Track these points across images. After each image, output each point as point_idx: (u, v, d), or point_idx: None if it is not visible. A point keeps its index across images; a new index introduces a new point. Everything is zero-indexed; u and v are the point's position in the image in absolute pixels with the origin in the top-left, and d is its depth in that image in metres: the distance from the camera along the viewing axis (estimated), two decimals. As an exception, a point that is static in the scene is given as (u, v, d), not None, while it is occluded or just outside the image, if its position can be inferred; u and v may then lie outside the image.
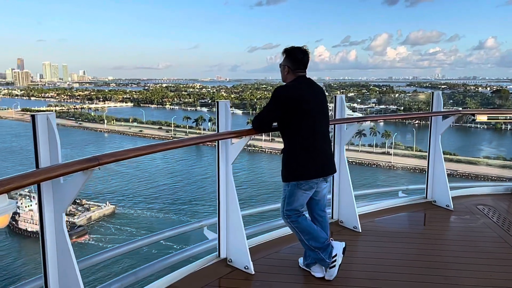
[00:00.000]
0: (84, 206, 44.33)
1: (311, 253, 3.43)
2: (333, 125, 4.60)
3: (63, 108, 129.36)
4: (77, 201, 44.84)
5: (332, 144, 4.65)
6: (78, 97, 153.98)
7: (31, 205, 40.46)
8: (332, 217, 4.74)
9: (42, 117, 2.21)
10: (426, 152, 5.51)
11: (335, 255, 3.34)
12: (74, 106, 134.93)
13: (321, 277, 3.43)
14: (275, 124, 3.43)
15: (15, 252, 36.40)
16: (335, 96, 4.57)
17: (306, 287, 3.39)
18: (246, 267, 3.52)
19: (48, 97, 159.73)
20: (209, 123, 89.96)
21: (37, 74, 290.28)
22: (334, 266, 3.34)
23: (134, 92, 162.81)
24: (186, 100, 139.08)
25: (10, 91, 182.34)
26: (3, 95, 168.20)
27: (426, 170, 5.49)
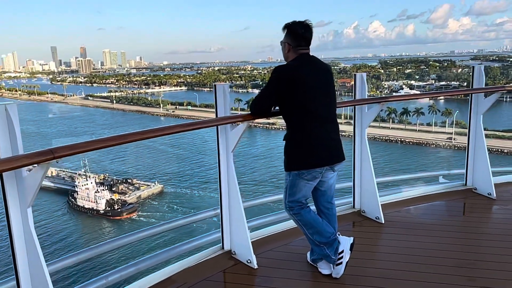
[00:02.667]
0: (135, 185, 46.67)
1: (316, 248, 3.15)
2: (353, 107, 4.21)
3: (122, 93, 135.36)
4: (128, 180, 47.55)
5: (353, 127, 4.27)
6: (136, 82, 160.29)
7: (87, 184, 43.28)
8: (353, 207, 4.39)
9: (1, 107, 2.11)
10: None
11: (342, 252, 3.03)
12: (132, 91, 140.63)
13: (328, 274, 3.15)
14: (277, 108, 3.14)
15: (74, 226, 39.56)
16: (355, 75, 4.16)
17: (310, 285, 3.13)
18: (249, 261, 3.32)
19: (109, 83, 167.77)
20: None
21: (98, 62, 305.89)
22: (341, 263, 3.04)
23: (187, 76, 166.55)
24: (237, 82, 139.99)
25: (74, 78, 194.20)
26: (68, 82, 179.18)
27: (466, 154, 4.92)
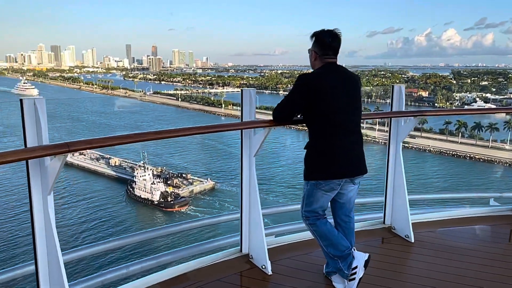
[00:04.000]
0: (189, 180, 48.48)
1: (330, 261, 3.09)
2: (389, 119, 4.06)
3: (188, 92, 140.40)
4: (183, 175, 49.61)
5: (388, 140, 4.11)
6: (201, 82, 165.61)
7: (144, 175, 45.84)
8: (384, 222, 4.22)
9: (30, 101, 2.31)
10: None
11: (355, 267, 2.94)
12: (197, 90, 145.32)
13: (341, 289, 3.06)
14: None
15: (130, 213, 42.22)
16: (393, 86, 4.00)
17: None
18: (263, 266, 3.33)
19: (176, 82, 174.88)
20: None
21: (167, 60, 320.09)
22: (354, 279, 2.95)
23: (250, 78, 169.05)
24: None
25: (145, 75, 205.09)
26: (139, 79, 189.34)
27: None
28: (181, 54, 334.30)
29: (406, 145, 71.36)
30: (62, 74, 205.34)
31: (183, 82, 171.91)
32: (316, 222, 3.05)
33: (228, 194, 45.44)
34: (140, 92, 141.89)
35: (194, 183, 47.68)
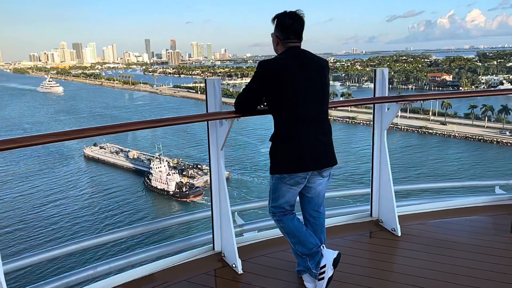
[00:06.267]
0: (204, 170, 49.21)
1: (299, 260, 2.89)
2: (372, 105, 3.80)
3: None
4: (198, 166, 50.50)
5: (372, 128, 3.86)
6: (219, 74, 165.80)
7: (160, 167, 46.92)
8: (371, 215, 3.98)
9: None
10: None
11: (324, 266, 2.74)
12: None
13: (312, 288, 2.87)
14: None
15: (147, 203, 43.82)
16: (375, 70, 3.72)
17: None
18: (234, 265, 3.17)
19: (194, 75, 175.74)
20: (341, 98, 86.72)
21: (186, 54, 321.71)
22: (323, 278, 2.75)
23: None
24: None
25: (164, 69, 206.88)
26: (159, 73, 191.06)
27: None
28: (200, 47, 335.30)
29: (430, 131, 69.59)
30: (84, 71, 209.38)
31: (202, 74, 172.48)
32: (282, 218, 2.86)
33: (243, 184, 45.71)
34: (160, 86, 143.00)
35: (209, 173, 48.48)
